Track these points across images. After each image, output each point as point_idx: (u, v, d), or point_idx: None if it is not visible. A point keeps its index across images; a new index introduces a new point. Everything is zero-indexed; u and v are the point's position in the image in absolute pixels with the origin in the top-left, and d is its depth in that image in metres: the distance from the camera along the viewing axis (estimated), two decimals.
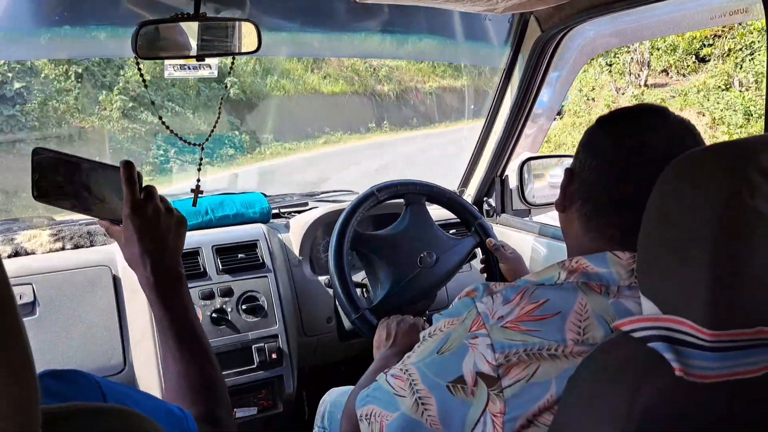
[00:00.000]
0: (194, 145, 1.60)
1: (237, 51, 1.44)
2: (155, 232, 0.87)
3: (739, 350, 0.57)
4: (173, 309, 0.85)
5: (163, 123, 1.39)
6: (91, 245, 1.70)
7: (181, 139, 1.60)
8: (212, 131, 1.62)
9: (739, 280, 0.56)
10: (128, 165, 0.88)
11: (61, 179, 0.89)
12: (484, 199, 2.17)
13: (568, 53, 1.77)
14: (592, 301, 0.79)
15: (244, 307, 1.66)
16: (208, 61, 1.47)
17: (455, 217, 1.77)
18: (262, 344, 1.66)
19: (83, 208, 0.91)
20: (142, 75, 1.27)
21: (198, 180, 1.79)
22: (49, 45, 1.42)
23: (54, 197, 0.89)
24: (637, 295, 0.77)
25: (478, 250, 1.71)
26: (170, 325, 0.85)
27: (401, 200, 1.65)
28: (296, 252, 1.85)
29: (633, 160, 0.84)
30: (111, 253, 1.65)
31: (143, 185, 0.90)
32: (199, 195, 1.72)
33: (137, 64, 1.33)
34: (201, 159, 1.68)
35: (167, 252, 0.88)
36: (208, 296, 1.64)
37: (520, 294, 0.81)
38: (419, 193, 1.67)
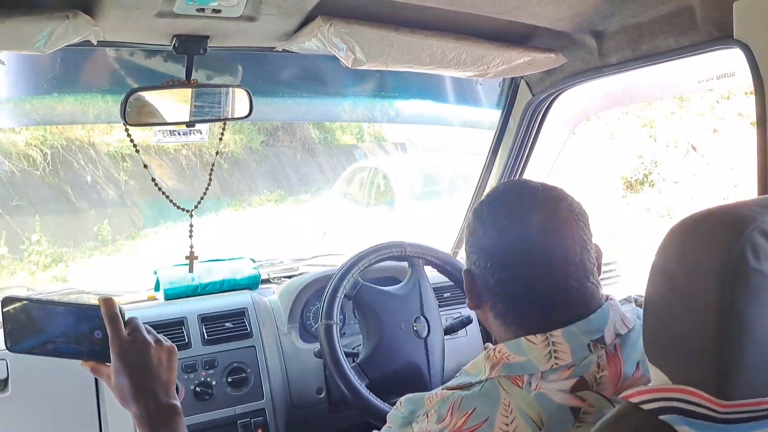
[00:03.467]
0: (185, 211, 1.57)
1: (229, 117, 1.43)
2: (146, 368, 0.86)
3: (754, 421, 0.55)
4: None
5: (158, 187, 1.37)
6: None
7: (173, 203, 1.58)
8: (202, 198, 1.59)
9: (749, 346, 0.54)
10: (108, 302, 0.87)
11: (36, 326, 0.86)
12: None
13: (560, 116, 1.79)
14: (515, 398, 0.78)
15: (229, 379, 1.59)
16: (198, 126, 1.45)
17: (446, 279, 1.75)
18: (248, 419, 1.57)
19: (65, 352, 0.89)
20: (132, 141, 1.25)
21: (191, 246, 1.75)
22: (36, 111, 1.41)
23: (30, 347, 0.86)
24: (561, 377, 0.78)
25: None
26: None
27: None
28: (285, 320, 1.79)
29: (520, 254, 0.82)
30: None
31: (126, 318, 0.89)
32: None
33: (126, 131, 1.32)
34: (191, 225, 1.65)
35: (160, 386, 0.86)
36: (192, 368, 1.57)
37: (450, 408, 0.81)
38: (415, 256, 1.65)
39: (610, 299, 0.85)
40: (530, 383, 0.79)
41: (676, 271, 0.60)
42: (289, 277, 2.02)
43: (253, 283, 1.87)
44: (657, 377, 0.62)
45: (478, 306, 0.90)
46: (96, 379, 1.51)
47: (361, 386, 1.42)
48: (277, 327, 1.75)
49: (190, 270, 1.72)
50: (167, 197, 1.66)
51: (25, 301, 0.86)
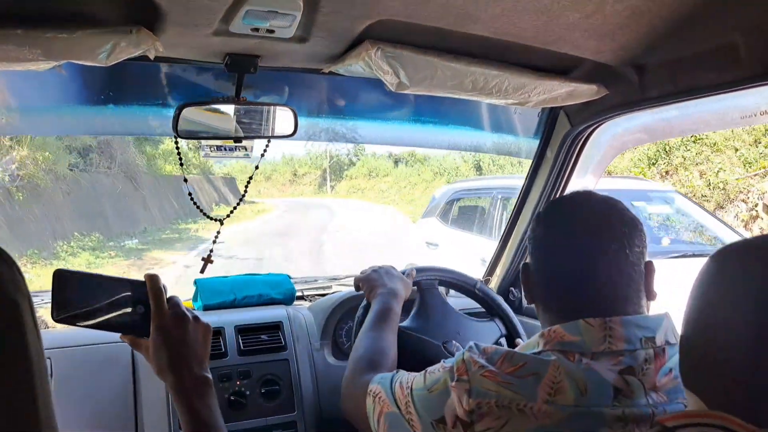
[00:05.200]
0: (215, 220, 1.62)
1: (274, 135, 1.48)
2: (184, 342, 0.91)
3: None
4: (201, 415, 0.89)
5: (192, 200, 1.42)
6: None
7: (205, 215, 1.63)
8: (234, 209, 1.65)
9: None
10: (154, 278, 0.93)
11: (82, 298, 0.90)
12: (510, 289, 2.14)
13: (597, 147, 1.79)
14: (565, 366, 0.86)
15: (263, 390, 1.62)
16: (244, 143, 1.51)
17: (478, 305, 1.75)
18: (279, 431, 1.59)
19: (107, 326, 0.93)
20: (180, 155, 1.31)
21: (211, 251, 1.79)
22: (93, 122, 1.48)
23: (76, 317, 0.90)
24: (611, 361, 0.86)
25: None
26: (197, 431, 0.89)
27: None
28: (318, 336, 1.81)
29: (563, 239, 0.96)
30: None
31: (168, 296, 0.94)
32: (226, 275, 1.73)
33: (176, 144, 1.37)
34: (218, 232, 1.70)
35: (195, 360, 0.92)
36: (227, 378, 1.60)
37: (503, 356, 0.90)
38: (438, 279, 1.66)
39: (667, 313, 0.95)
40: (581, 360, 0.87)
41: (714, 299, 0.61)
42: (323, 295, 2.05)
43: (288, 298, 1.90)
44: (693, 402, 0.62)
45: (533, 299, 1.02)
46: (135, 378, 1.55)
47: None
48: (310, 342, 1.77)
49: (201, 271, 1.77)
50: (199, 208, 1.72)
51: (75, 274, 0.89)
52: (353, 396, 1.18)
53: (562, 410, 0.83)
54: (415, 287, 1.59)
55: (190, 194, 1.56)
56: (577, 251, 0.94)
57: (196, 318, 0.96)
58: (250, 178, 1.60)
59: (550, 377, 0.85)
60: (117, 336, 1.62)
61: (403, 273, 1.54)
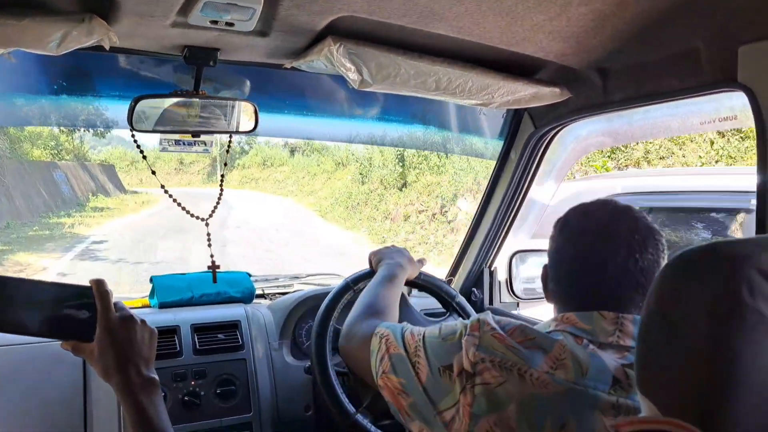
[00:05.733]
0: (201, 219, 1.58)
1: (234, 130, 1.45)
2: (132, 343, 0.93)
3: None
4: (148, 414, 0.90)
5: (168, 194, 1.39)
6: None
7: (188, 212, 1.59)
8: (215, 207, 1.61)
9: (739, 383, 0.54)
10: (100, 282, 0.94)
11: (20, 305, 0.88)
12: (472, 289, 2.14)
13: (561, 149, 1.80)
14: (572, 346, 0.90)
15: (218, 391, 1.58)
16: (203, 138, 1.47)
17: (439, 306, 1.74)
18: None
19: (48, 332, 0.92)
20: (139, 147, 1.27)
21: (212, 256, 1.76)
22: (46, 112, 1.43)
23: (14, 326, 0.88)
24: (616, 354, 0.90)
25: None
26: (144, 430, 0.89)
27: None
28: (277, 335, 1.78)
29: (577, 243, 1.00)
30: None
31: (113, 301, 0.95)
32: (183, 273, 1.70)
33: (133, 136, 1.33)
34: (209, 234, 1.66)
35: (142, 360, 0.94)
36: (181, 377, 1.56)
37: (516, 327, 0.94)
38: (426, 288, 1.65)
39: None
40: (588, 345, 0.91)
41: (670, 303, 0.61)
42: (284, 293, 2.02)
43: (247, 297, 1.87)
44: (647, 408, 0.62)
45: (550, 296, 1.07)
46: (85, 379, 1.50)
47: (348, 405, 1.40)
48: (268, 342, 1.74)
49: (214, 281, 1.75)
50: (180, 205, 1.67)
51: (11, 280, 0.88)
52: (357, 333, 1.22)
53: (560, 383, 0.86)
54: None
55: (177, 202, 1.51)
56: (588, 252, 0.98)
57: (143, 321, 0.98)
58: (223, 176, 1.56)
59: (555, 353, 0.89)
60: None
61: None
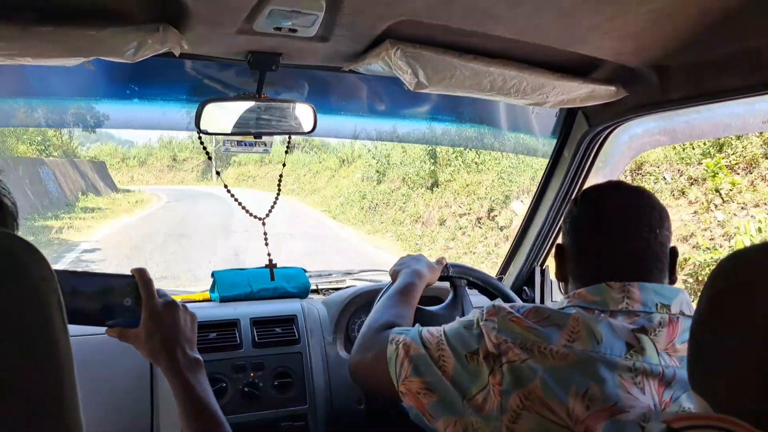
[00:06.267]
0: (257, 218, 1.65)
1: (293, 131, 1.50)
2: (176, 326, 0.98)
3: None
4: (195, 391, 0.95)
5: (230, 192, 1.44)
6: None
7: (247, 212, 1.65)
8: (272, 207, 1.67)
9: None
10: (142, 271, 0.99)
11: (72, 295, 0.93)
12: (523, 288, 2.14)
13: (615, 149, 1.79)
14: (584, 318, 0.96)
15: (275, 382, 1.64)
16: (264, 138, 1.52)
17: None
18: (290, 422, 1.62)
19: (93, 320, 0.97)
20: (205, 149, 1.33)
21: (269, 254, 1.83)
22: (118, 116, 1.51)
23: (69, 315, 0.93)
24: (627, 319, 0.96)
25: None
26: (193, 407, 0.94)
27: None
28: (331, 329, 1.83)
29: (600, 216, 1.06)
30: None
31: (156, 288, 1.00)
32: (242, 268, 1.76)
33: (199, 139, 1.39)
34: (265, 234, 1.73)
35: (186, 342, 0.99)
36: (241, 369, 1.62)
37: (528, 310, 1.00)
38: (458, 276, 1.68)
39: (683, 288, 1.04)
40: (600, 314, 0.97)
41: (725, 302, 0.61)
42: (337, 289, 2.07)
43: (303, 292, 1.92)
44: (699, 405, 0.62)
45: (564, 275, 1.13)
46: (153, 368, 1.57)
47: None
48: (323, 336, 1.79)
49: (272, 278, 1.83)
50: (240, 204, 1.74)
51: (61, 273, 0.90)
52: (371, 347, 1.22)
53: (578, 353, 0.92)
54: (448, 282, 1.66)
55: (234, 197, 1.57)
56: (612, 228, 1.04)
57: (184, 306, 1.02)
58: (281, 176, 1.61)
59: (569, 327, 0.95)
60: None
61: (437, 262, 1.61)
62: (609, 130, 1.72)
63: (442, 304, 1.64)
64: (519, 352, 0.94)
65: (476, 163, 13.54)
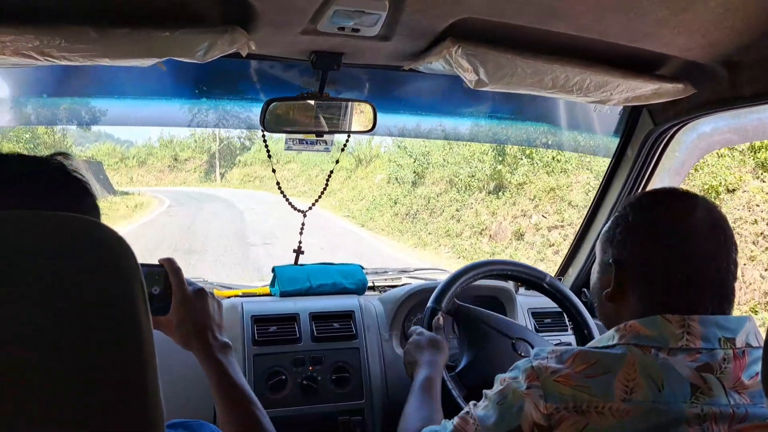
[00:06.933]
0: (299, 211, 1.69)
1: (353, 130, 1.52)
2: (206, 312, 1.01)
3: None
4: (228, 374, 0.97)
5: (280, 190, 1.48)
6: None
7: (291, 205, 1.69)
8: (317, 199, 1.71)
9: None
10: (171, 260, 1.02)
11: None
12: (583, 290, 2.10)
13: (682, 147, 1.73)
14: (641, 361, 0.85)
15: (333, 377, 1.67)
16: (324, 137, 1.56)
17: (548, 305, 1.74)
18: (347, 417, 1.64)
19: None
20: (267, 147, 1.37)
21: (300, 242, 1.88)
22: (186, 115, 1.58)
23: None
24: (688, 358, 0.85)
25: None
26: (226, 386, 0.97)
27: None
28: (387, 326, 1.85)
29: (684, 240, 0.92)
30: None
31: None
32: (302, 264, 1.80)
33: (263, 137, 1.44)
34: (303, 225, 1.77)
35: (216, 327, 1.02)
36: (300, 363, 1.66)
37: (573, 356, 0.89)
38: (516, 276, 1.68)
39: (750, 316, 0.93)
40: (657, 354, 0.86)
41: None
42: (393, 286, 2.09)
43: (360, 288, 1.95)
44: None
45: (615, 297, 0.97)
46: None
47: (457, 396, 1.44)
48: (379, 332, 1.81)
49: (295, 262, 1.90)
50: (286, 198, 1.79)
51: None
52: None
53: (639, 405, 0.83)
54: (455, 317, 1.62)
55: (278, 183, 1.62)
56: (696, 248, 0.91)
57: (212, 294, 1.05)
58: (331, 172, 1.65)
59: (624, 374, 0.85)
60: None
61: (430, 325, 1.52)
62: (676, 128, 1.67)
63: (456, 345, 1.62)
64: (576, 419, 0.84)
65: (557, 160, 11.07)
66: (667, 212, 0.95)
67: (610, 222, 1.03)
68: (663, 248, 0.92)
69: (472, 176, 13.05)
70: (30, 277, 0.46)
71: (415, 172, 15.13)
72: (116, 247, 0.52)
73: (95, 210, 0.78)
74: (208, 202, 20.66)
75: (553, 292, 1.69)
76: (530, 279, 1.69)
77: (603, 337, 0.95)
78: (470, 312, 1.60)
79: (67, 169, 0.76)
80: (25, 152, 0.76)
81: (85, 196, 0.77)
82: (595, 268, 1.06)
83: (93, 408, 0.46)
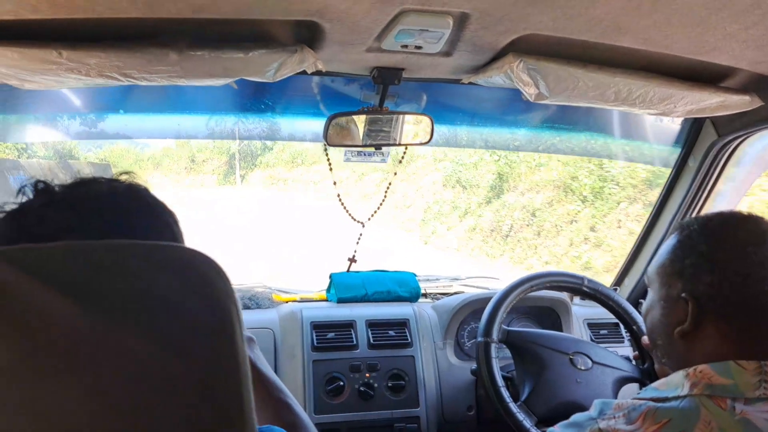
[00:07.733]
0: (359, 222, 1.73)
1: (410, 142, 1.55)
2: None
3: None
4: (252, 362, 0.98)
5: (341, 201, 1.52)
6: (257, 307, 1.83)
7: (350, 215, 1.73)
8: (376, 211, 1.74)
9: None
10: None
11: None
12: (639, 301, 2.07)
13: (746, 159, 1.69)
14: (717, 419, 0.77)
15: (389, 384, 1.70)
16: (382, 149, 1.59)
17: (605, 315, 1.73)
18: (403, 424, 1.67)
19: None
20: (329, 161, 1.41)
21: (355, 251, 1.91)
22: (258, 129, 1.64)
23: None
24: (767, 408, 0.77)
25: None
26: (253, 375, 0.98)
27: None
28: (441, 335, 1.87)
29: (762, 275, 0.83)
30: (274, 318, 1.77)
31: None
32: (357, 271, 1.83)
33: (325, 151, 1.48)
34: (360, 234, 1.81)
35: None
36: (356, 369, 1.70)
37: (643, 415, 0.81)
38: (572, 287, 1.67)
39: None
40: (734, 407, 0.79)
41: None
42: (445, 294, 2.10)
43: (414, 296, 1.97)
44: None
45: (695, 330, 0.88)
46: (276, 362, 1.69)
47: (531, 427, 1.44)
48: (433, 341, 1.83)
49: (348, 270, 1.95)
50: (345, 209, 1.83)
51: None
52: None
53: None
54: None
55: (338, 196, 1.66)
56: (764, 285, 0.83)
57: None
58: (389, 184, 1.68)
59: None
60: (261, 320, 1.77)
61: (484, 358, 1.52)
62: (740, 139, 1.64)
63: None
64: None
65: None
66: (744, 239, 0.87)
67: (670, 252, 0.93)
68: (745, 280, 0.84)
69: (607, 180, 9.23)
70: (140, 306, 0.49)
71: (498, 173, 11.32)
72: (209, 270, 0.54)
73: (181, 236, 0.74)
74: (224, 209, 16.93)
75: (612, 306, 1.67)
76: (569, 285, 1.67)
77: (671, 381, 0.87)
78: (521, 335, 1.59)
79: (149, 195, 0.72)
80: (17, 154, 0.70)
81: (173, 224, 0.73)
82: (655, 303, 0.96)
83: (197, 427, 0.49)
